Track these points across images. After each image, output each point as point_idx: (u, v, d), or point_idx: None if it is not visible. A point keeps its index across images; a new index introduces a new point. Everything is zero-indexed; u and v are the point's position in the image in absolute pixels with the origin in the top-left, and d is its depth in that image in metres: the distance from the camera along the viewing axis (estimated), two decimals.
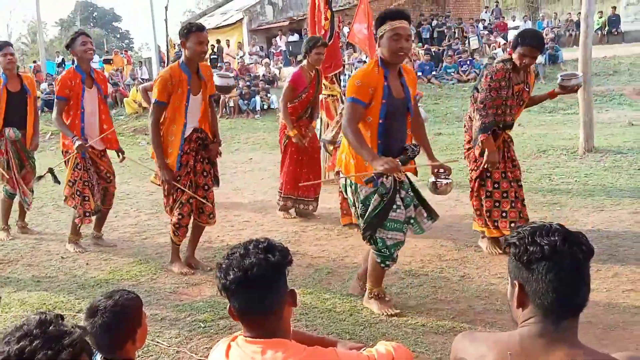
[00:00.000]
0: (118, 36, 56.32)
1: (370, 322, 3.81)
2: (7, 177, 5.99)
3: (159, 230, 6.28)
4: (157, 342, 3.62)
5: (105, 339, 2.11)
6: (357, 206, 3.84)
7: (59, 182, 5.73)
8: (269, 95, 17.38)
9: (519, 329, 1.62)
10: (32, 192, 6.29)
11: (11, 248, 5.84)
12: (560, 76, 5.17)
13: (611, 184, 7.27)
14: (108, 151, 5.70)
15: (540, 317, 1.57)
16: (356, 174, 3.76)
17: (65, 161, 5.51)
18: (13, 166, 5.97)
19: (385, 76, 3.73)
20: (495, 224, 4.92)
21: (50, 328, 1.37)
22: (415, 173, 4.09)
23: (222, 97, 15.85)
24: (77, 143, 5.23)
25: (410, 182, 3.94)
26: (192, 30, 4.55)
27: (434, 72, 19.04)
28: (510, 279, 1.66)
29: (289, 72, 21.54)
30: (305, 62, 6.23)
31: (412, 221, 3.89)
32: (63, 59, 26.06)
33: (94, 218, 5.69)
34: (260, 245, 1.83)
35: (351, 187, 3.84)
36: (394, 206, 3.74)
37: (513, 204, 4.88)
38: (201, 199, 4.81)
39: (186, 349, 3.54)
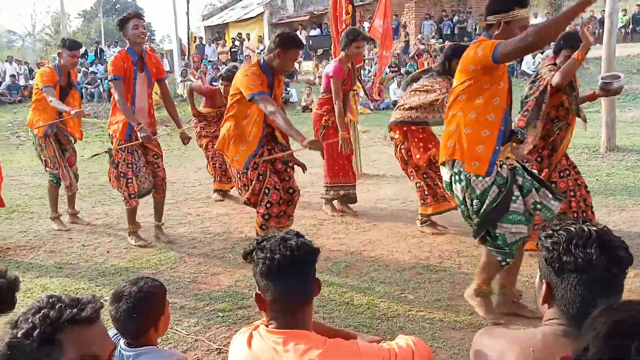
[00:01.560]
0: None
1: (387, 315, 3.82)
2: (59, 165, 6.04)
3: (179, 221, 6.34)
4: (176, 330, 3.67)
5: (129, 324, 2.15)
6: (468, 203, 3.54)
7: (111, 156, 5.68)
8: (288, 88, 17.40)
9: (542, 327, 1.60)
10: (77, 176, 6.32)
11: (34, 235, 5.93)
12: (602, 78, 4.77)
13: (633, 183, 7.19)
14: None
15: (566, 321, 1.54)
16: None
17: (119, 145, 5.37)
18: (57, 155, 6.02)
19: None
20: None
21: (63, 297, 1.41)
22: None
23: None
24: (143, 134, 5.09)
25: (524, 166, 3.64)
26: (294, 46, 4.41)
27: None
28: (539, 274, 1.64)
29: (308, 66, 21.58)
30: (343, 54, 6.09)
31: (538, 206, 3.53)
32: (86, 50, 26.28)
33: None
34: (291, 233, 1.87)
35: (460, 183, 3.53)
36: (513, 197, 3.45)
37: (583, 213, 4.66)
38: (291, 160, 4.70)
39: (204, 338, 3.58)
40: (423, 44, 21.45)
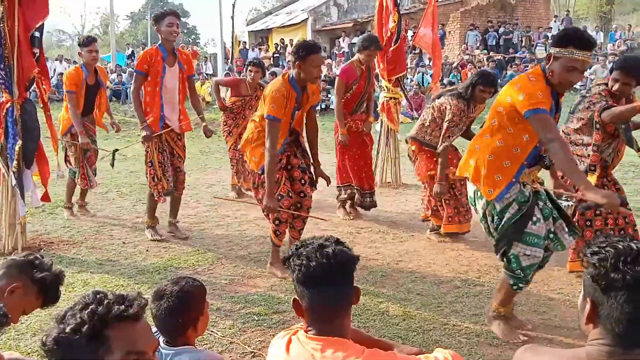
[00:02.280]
0: (185, 31, 57.58)
1: (423, 328, 3.77)
2: (80, 163, 6.36)
3: (217, 222, 6.40)
4: (212, 331, 3.69)
5: (169, 322, 2.17)
6: (489, 220, 3.53)
7: (112, 166, 6.04)
8: (329, 95, 17.44)
9: (587, 347, 1.56)
10: (95, 173, 6.62)
11: (76, 230, 6.07)
12: None
13: None
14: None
15: (611, 341, 1.49)
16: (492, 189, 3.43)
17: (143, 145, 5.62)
18: (80, 155, 6.32)
19: (552, 95, 3.31)
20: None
21: (109, 294, 1.42)
22: None
23: None
24: (144, 133, 5.38)
25: (547, 193, 3.60)
26: (311, 52, 4.35)
27: (498, 81, 18.67)
28: (583, 292, 1.59)
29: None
30: (357, 56, 6.21)
31: (551, 236, 3.50)
32: (133, 51, 26.90)
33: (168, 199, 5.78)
34: (331, 239, 1.85)
35: (482, 199, 3.51)
36: (534, 218, 3.41)
37: (622, 231, 4.52)
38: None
39: (239, 341, 3.60)
40: (467, 54, 21.25)
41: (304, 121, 4.80)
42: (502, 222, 3.43)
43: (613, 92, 4.34)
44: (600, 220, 4.52)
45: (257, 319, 3.90)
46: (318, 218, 4.96)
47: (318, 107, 17.08)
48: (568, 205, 3.68)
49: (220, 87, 7.73)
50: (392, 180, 8.32)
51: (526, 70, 18.92)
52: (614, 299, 1.47)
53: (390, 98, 7.94)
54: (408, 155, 5.88)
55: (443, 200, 5.51)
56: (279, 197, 4.57)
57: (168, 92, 5.47)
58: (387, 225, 6.24)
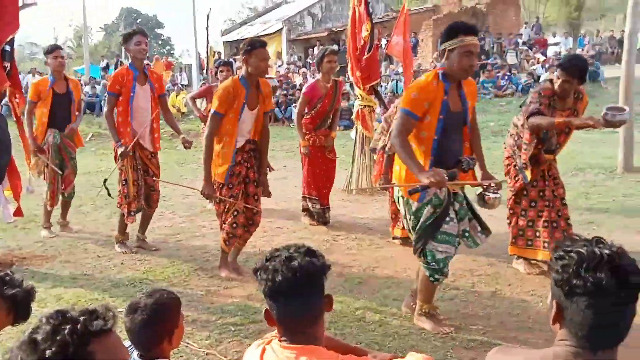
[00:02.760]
0: (160, 42, 57.35)
1: (399, 333, 3.80)
2: (51, 175, 6.21)
3: (193, 234, 6.37)
4: (188, 343, 3.67)
5: (144, 336, 2.16)
6: (408, 218, 3.78)
7: (111, 196, 5.72)
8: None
9: (554, 348, 1.58)
10: (73, 194, 6.50)
11: (50, 245, 6.00)
12: (606, 109, 4.50)
13: None
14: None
15: (576, 343, 1.52)
16: (403, 184, 3.71)
17: (116, 162, 5.58)
18: (49, 171, 6.20)
19: (445, 90, 3.63)
20: (529, 243, 4.86)
21: (73, 312, 1.41)
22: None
23: None
24: (121, 149, 5.35)
25: (465, 196, 3.87)
26: (256, 47, 4.56)
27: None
28: (551, 293, 1.61)
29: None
30: (320, 74, 6.37)
31: (466, 234, 3.81)
32: (107, 63, 26.67)
33: (138, 217, 5.75)
34: (301, 249, 1.84)
35: (403, 198, 3.77)
36: (447, 218, 3.67)
37: (545, 224, 4.79)
38: (252, 206, 4.84)
39: (216, 352, 3.59)
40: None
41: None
42: (419, 224, 3.69)
43: (557, 90, 4.59)
44: (534, 211, 4.84)
45: (233, 329, 3.90)
46: (252, 207, 4.90)
47: (294, 116, 17.16)
48: (495, 196, 3.86)
49: (195, 100, 7.75)
50: (368, 187, 8.36)
51: (498, 75, 19.24)
52: (576, 304, 1.50)
53: (365, 106, 8.00)
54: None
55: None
56: (235, 213, 4.78)
57: (139, 110, 5.48)
58: (362, 232, 6.28)
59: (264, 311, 1.88)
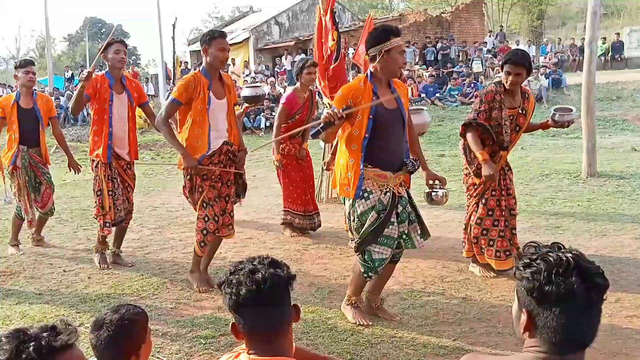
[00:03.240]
0: None
1: (371, 342, 3.80)
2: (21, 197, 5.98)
3: (162, 246, 6.29)
4: (158, 357, 3.62)
5: (110, 352, 2.12)
6: (352, 219, 3.92)
7: None
8: (274, 113, 17.47)
9: (523, 354, 1.60)
10: (53, 209, 6.34)
11: (13, 260, 5.85)
12: (554, 110, 4.98)
13: (614, 209, 7.28)
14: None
15: (547, 348, 1.54)
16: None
17: (91, 167, 5.48)
18: (23, 188, 5.98)
19: (374, 91, 3.83)
20: (482, 250, 4.92)
21: (31, 330, 1.38)
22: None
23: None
24: (83, 75, 5.24)
25: (409, 197, 3.99)
26: (215, 37, 4.60)
27: (437, 94, 19.14)
28: (518, 303, 1.62)
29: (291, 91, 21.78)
30: (298, 83, 6.36)
31: (404, 236, 3.93)
32: (72, 74, 26.29)
33: (113, 229, 5.59)
34: (265, 261, 1.83)
35: (349, 200, 3.90)
36: (389, 222, 3.80)
37: (502, 233, 4.86)
38: (239, 172, 4.86)
39: None
40: (407, 69, 21.68)
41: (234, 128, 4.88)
42: (364, 229, 3.81)
43: (508, 87, 4.68)
44: (490, 220, 4.89)
45: (204, 342, 3.85)
46: (237, 171, 4.89)
47: (262, 125, 17.13)
48: (443, 193, 4.03)
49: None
50: (338, 195, 8.36)
51: (464, 83, 19.50)
52: (549, 310, 1.52)
53: None
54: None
55: None
56: (204, 205, 4.72)
57: (116, 120, 5.36)
58: (333, 241, 6.27)
59: (230, 325, 1.86)
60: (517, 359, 1.62)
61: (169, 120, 4.73)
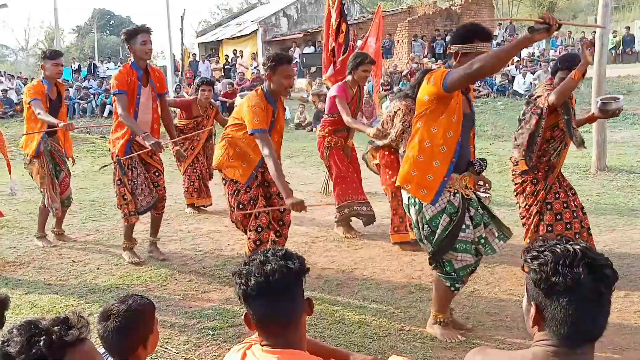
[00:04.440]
0: None
1: (379, 334, 3.80)
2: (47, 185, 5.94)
3: (170, 237, 6.31)
4: (166, 348, 3.63)
5: (117, 343, 2.12)
6: (420, 227, 3.61)
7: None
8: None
9: (533, 348, 1.60)
10: (71, 199, 6.31)
11: (23, 250, 5.88)
12: (600, 99, 4.80)
13: (624, 203, 7.23)
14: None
15: (556, 341, 1.54)
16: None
17: (115, 162, 5.35)
18: (48, 176, 5.94)
19: (462, 91, 3.50)
20: None
21: (44, 322, 1.38)
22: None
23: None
24: (151, 141, 4.97)
25: (479, 199, 3.74)
26: (282, 63, 4.29)
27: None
28: (527, 296, 1.63)
29: (301, 83, 21.71)
30: (350, 77, 6.07)
31: (482, 241, 3.64)
32: (79, 65, 26.36)
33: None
34: (278, 253, 1.83)
35: (415, 206, 3.59)
36: (463, 226, 3.52)
37: (578, 235, 4.60)
38: (277, 207, 4.56)
39: (194, 356, 3.55)
40: (416, 62, 21.61)
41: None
42: (436, 235, 3.52)
43: None
44: (561, 224, 4.60)
45: (212, 333, 3.86)
46: (327, 204, 4.76)
47: (292, 124, 17.12)
48: (486, 196, 3.81)
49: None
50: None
51: None
52: (557, 302, 1.51)
53: None
54: (365, 162, 6.00)
55: (391, 210, 5.60)
56: (257, 214, 4.45)
57: (142, 112, 5.25)
58: (351, 233, 6.25)
59: (243, 315, 1.86)
60: (526, 353, 1.61)
61: (272, 147, 4.28)
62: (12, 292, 4.65)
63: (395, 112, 5.38)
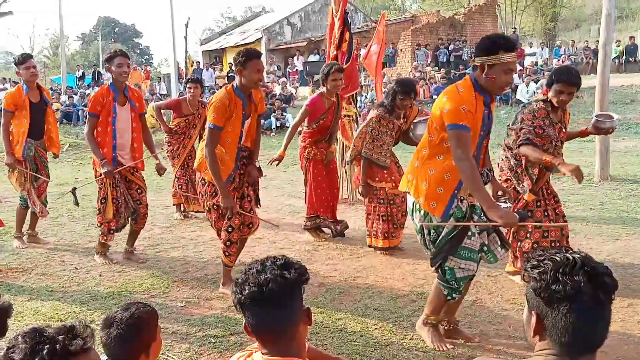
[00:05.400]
0: (138, 52, 57.01)
1: (381, 344, 3.79)
2: (25, 187, 6.10)
3: (172, 245, 6.31)
4: (168, 355, 3.63)
5: (120, 350, 2.12)
6: (425, 232, 3.62)
7: (77, 204, 5.83)
8: (285, 114, 17.49)
9: (534, 358, 1.59)
10: (46, 202, 6.40)
11: (26, 257, 5.89)
12: (595, 117, 4.83)
13: (627, 212, 7.22)
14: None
15: (557, 350, 1.54)
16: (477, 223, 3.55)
17: (96, 179, 5.53)
18: (25, 181, 6.10)
19: (485, 103, 3.47)
20: None
21: (50, 330, 1.38)
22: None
23: None
24: (105, 169, 5.29)
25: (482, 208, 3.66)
26: (251, 58, 4.45)
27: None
28: (527, 306, 1.63)
29: (305, 91, 21.77)
30: (324, 89, 6.17)
31: (485, 248, 3.63)
32: (83, 73, 26.47)
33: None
34: (277, 262, 1.82)
35: (420, 212, 3.58)
36: (469, 232, 3.51)
37: (554, 243, 4.65)
38: (245, 213, 4.71)
39: None
40: (419, 71, 21.66)
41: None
42: (440, 238, 3.53)
43: (557, 104, 4.51)
44: (539, 232, 4.67)
45: (214, 341, 3.86)
46: (269, 222, 4.99)
47: (273, 126, 17.14)
48: (506, 206, 3.77)
49: (161, 110, 7.74)
50: (349, 196, 8.37)
51: None
52: (557, 310, 1.52)
53: (345, 116, 8.00)
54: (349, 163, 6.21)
55: (381, 217, 5.69)
56: (230, 215, 4.61)
57: (120, 131, 5.43)
58: (343, 241, 6.27)
59: (244, 323, 1.86)
60: None
61: (215, 145, 4.50)
62: (14, 298, 4.65)
63: (367, 122, 5.62)
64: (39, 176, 6.11)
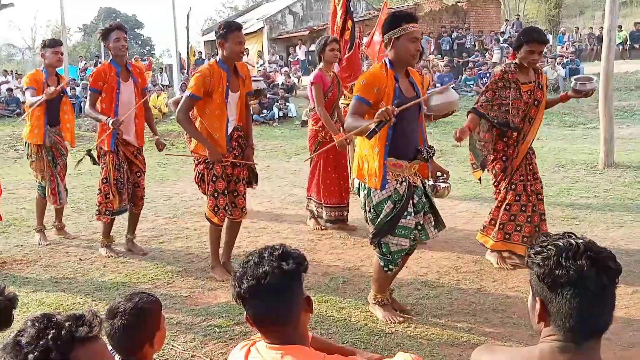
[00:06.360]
0: (140, 42, 56.90)
1: (385, 332, 3.79)
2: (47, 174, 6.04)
3: (176, 235, 6.32)
4: (173, 345, 3.64)
5: (124, 341, 2.13)
6: (367, 210, 3.86)
7: (97, 163, 5.58)
8: (287, 104, 17.44)
9: (540, 345, 1.60)
10: (66, 190, 6.33)
11: (30, 249, 5.91)
12: (574, 79, 5.02)
13: (631, 199, 7.19)
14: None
15: (562, 336, 1.54)
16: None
17: (98, 156, 5.50)
18: (47, 167, 6.03)
19: (395, 78, 3.74)
20: (507, 236, 4.89)
21: (58, 317, 1.38)
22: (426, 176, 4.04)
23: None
24: (111, 120, 5.15)
25: (424, 188, 3.93)
26: (232, 30, 4.55)
27: (453, 84, 18.99)
28: (532, 292, 1.63)
29: (307, 80, 21.70)
30: (321, 63, 6.12)
31: (419, 227, 3.85)
32: (86, 64, 26.41)
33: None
34: (275, 253, 1.81)
35: (364, 190, 3.85)
36: (405, 213, 3.74)
37: (529, 219, 4.86)
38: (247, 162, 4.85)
39: (201, 354, 3.56)
40: (422, 59, 21.56)
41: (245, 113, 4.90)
42: (379, 219, 3.76)
43: (528, 65, 4.69)
44: (517, 206, 4.88)
45: (218, 331, 3.87)
46: (251, 164, 4.96)
47: (276, 116, 17.09)
48: (446, 186, 3.94)
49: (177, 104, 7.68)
50: (351, 185, 8.34)
51: (480, 73, 19.35)
52: (561, 295, 1.52)
53: (347, 104, 7.97)
54: None
55: None
56: (214, 179, 4.71)
57: (124, 107, 5.37)
58: (347, 230, 6.26)
59: (245, 314, 1.86)
60: (533, 350, 1.61)
61: (189, 113, 4.69)
62: (19, 290, 4.66)
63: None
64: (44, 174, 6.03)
